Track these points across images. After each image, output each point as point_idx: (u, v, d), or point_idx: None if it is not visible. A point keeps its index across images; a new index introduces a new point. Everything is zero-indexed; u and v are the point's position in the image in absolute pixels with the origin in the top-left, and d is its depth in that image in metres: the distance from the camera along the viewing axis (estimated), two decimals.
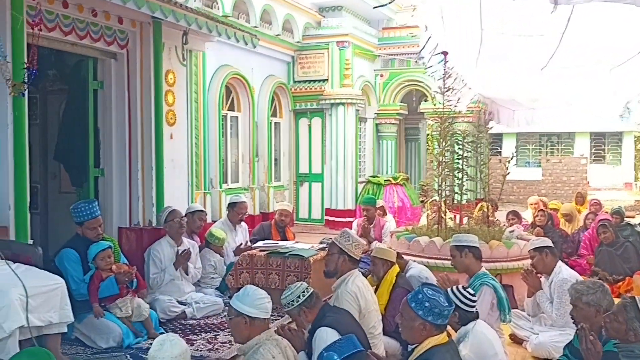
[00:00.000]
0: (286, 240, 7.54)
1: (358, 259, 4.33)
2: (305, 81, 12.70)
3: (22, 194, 5.10)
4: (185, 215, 6.50)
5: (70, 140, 7.19)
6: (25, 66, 4.96)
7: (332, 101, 12.46)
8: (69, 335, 4.78)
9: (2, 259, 4.21)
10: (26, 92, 5.07)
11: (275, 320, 5.57)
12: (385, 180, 12.85)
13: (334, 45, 12.53)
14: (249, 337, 3.41)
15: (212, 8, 9.55)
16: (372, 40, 13.75)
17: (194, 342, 5.16)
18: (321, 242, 7.16)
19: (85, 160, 6.80)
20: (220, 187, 9.91)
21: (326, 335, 3.50)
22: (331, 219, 12.63)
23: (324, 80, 12.57)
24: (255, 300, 3.42)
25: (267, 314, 3.46)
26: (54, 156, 7.57)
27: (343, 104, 12.46)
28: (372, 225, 7.96)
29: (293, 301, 3.74)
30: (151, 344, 4.80)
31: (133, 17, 6.57)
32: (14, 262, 4.28)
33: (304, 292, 3.76)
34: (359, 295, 4.11)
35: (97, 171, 6.82)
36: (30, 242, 5.15)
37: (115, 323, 5.02)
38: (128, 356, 4.79)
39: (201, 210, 7.05)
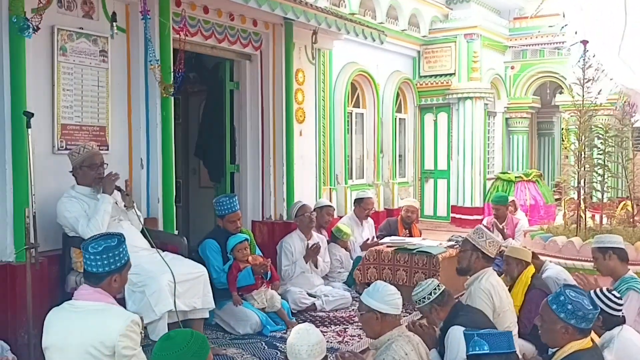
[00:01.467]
0: (412, 236, 7.49)
1: (492, 257, 4.20)
2: (431, 76, 12.47)
3: (169, 188, 5.50)
4: (315, 210, 6.67)
5: (209, 138, 7.64)
6: (172, 70, 5.37)
7: (459, 95, 12.16)
8: (210, 321, 5.05)
9: (153, 247, 4.58)
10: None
11: (404, 317, 5.56)
12: (516, 177, 12.30)
13: (461, 37, 12.19)
14: (380, 332, 3.43)
15: (339, 6, 9.69)
16: (503, 31, 13.22)
17: (324, 333, 5.24)
18: (450, 240, 7.02)
19: (222, 156, 7.18)
20: (346, 183, 10.03)
21: (459, 335, 3.44)
22: (457, 216, 12.31)
23: (450, 74, 12.28)
24: (385, 296, 3.43)
25: (397, 310, 3.45)
26: (194, 153, 8.09)
27: (471, 98, 12.11)
28: (504, 224, 7.67)
29: (424, 298, 3.72)
30: (284, 333, 5.09)
31: (266, 19, 6.85)
32: (163, 251, 4.62)
33: (435, 289, 3.72)
34: (493, 293, 3.98)
35: (233, 167, 7.19)
36: (176, 232, 5.55)
37: (253, 311, 5.26)
38: (263, 343, 5.00)
39: (329, 206, 7.21)
